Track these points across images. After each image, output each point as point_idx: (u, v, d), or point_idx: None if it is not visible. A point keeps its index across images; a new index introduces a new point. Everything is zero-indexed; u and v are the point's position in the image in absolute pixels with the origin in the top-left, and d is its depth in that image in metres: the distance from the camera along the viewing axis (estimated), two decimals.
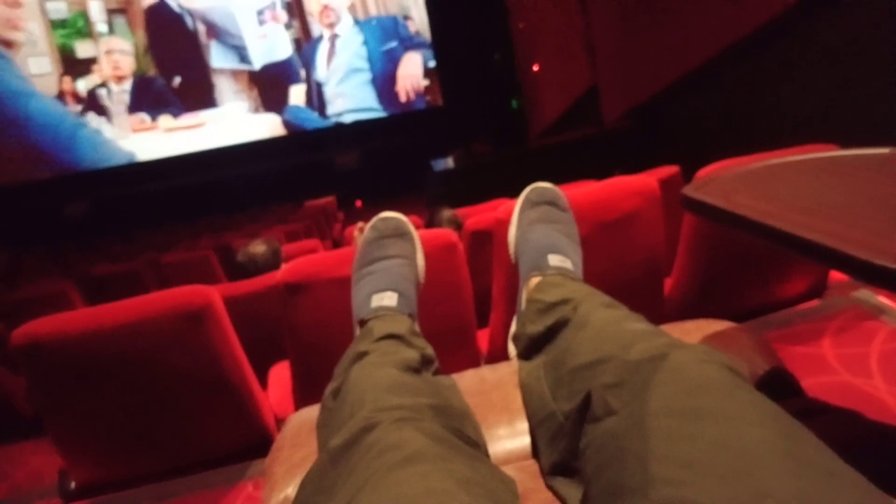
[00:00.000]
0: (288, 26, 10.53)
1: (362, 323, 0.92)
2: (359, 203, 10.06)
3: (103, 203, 10.04)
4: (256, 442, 1.54)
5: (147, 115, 10.19)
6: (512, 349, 0.96)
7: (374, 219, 1.09)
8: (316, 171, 10.31)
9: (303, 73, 10.60)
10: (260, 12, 10.35)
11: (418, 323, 0.97)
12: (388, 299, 0.94)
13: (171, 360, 1.36)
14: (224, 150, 10.56)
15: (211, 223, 8.01)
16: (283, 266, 1.47)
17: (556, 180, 1.45)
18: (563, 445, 0.64)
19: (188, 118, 10.28)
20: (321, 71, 10.59)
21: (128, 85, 10.12)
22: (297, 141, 10.73)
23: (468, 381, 0.90)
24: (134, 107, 10.13)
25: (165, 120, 10.18)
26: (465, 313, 1.60)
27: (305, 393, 1.51)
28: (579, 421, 0.62)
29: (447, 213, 2.66)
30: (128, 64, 10.04)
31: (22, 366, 1.34)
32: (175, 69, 10.24)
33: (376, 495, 0.49)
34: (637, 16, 5.65)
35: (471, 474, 0.52)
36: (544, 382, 0.73)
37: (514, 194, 1.24)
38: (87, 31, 9.92)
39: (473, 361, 1.68)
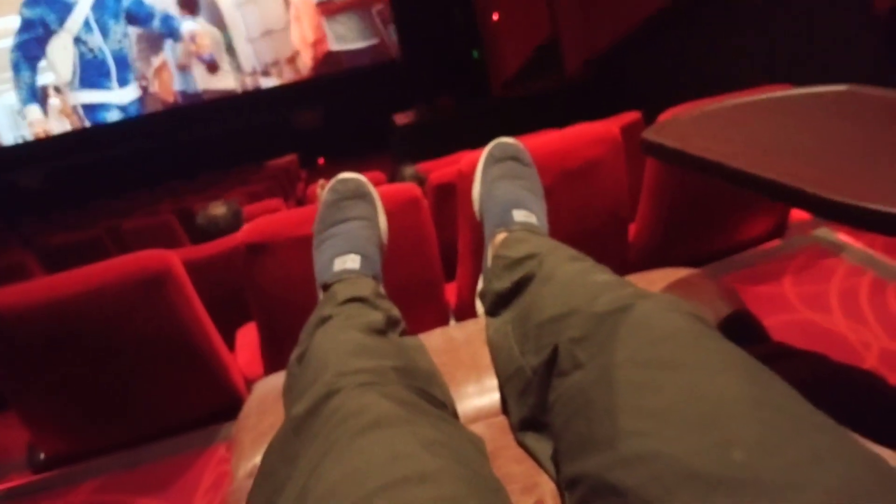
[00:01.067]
0: None
1: (325, 287, 0.91)
2: (321, 161, 9.93)
3: (59, 172, 9.75)
4: (227, 404, 1.53)
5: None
6: (479, 306, 0.96)
7: (333, 180, 1.07)
8: (275, 130, 10.11)
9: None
10: None
11: (383, 283, 0.96)
12: (351, 262, 0.93)
13: (133, 326, 1.33)
14: (179, 110, 10.28)
15: (171, 188, 7.83)
16: (245, 226, 1.45)
17: (519, 133, 1.44)
18: (531, 401, 0.64)
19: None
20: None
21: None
22: (254, 99, 10.49)
23: (436, 340, 0.90)
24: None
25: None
26: (431, 268, 1.59)
27: (273, 354, 1.51)
28: (547, 375, 0.62)
29: (409, 168, 2.64)
30: None
31: None
32: None
33: (340, 464, 0.48)
34: None
35: (436, 435, 0.52)
36: (511, 338, 0.73)
37: (477, 147, 1.23)
38: None
39: (442, 316, 1.69)
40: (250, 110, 10.41)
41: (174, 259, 1.38)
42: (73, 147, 9.94)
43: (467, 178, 1.41)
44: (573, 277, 0.72)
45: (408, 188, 1.50)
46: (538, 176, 1.09)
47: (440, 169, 2.16)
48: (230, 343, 1.69)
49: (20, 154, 9.75)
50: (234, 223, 2.10)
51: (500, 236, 0.95)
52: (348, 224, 1.00)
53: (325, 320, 0.79)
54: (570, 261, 0.77)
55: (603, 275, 0.70)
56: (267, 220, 1.46)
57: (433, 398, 0.64)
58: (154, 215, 4.34)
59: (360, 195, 1.05)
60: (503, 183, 1.04)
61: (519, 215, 0.96)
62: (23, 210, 8.74)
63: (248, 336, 1.70)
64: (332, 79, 10.61)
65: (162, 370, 1.43)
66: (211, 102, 10.42)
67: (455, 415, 0.71)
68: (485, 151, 1.12)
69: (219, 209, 2.13)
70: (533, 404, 0.64)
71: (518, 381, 0.68)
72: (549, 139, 1.56)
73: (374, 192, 1.07)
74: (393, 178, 2.61)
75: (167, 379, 1.45)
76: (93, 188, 9.19)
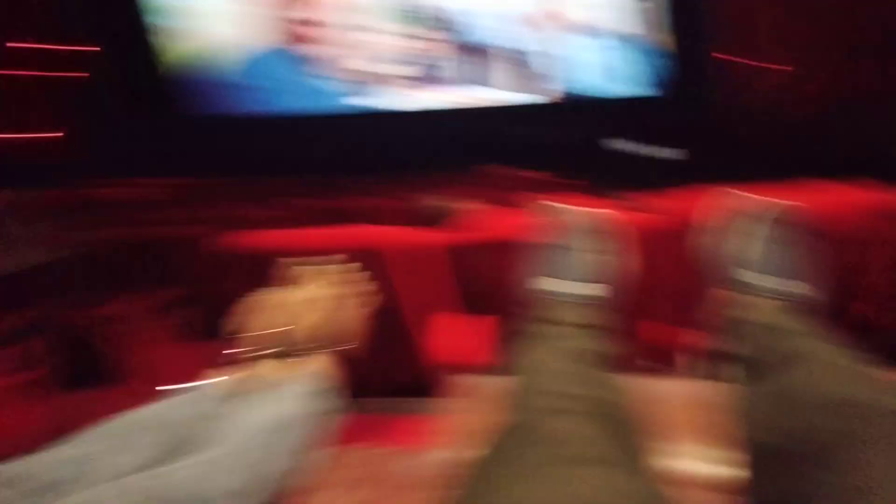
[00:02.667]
0: None
1: (545, 306, 0.91)
2: (554, 180, 9.98)
3: (297, 144, 10.75)
4: (415, 382, 1.59)
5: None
6: (692, 361, 0.91)
7: (568, 211, 1.07)
8: (504, 139, 10.34)
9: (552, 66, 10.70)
10: None
11: (605, 317, 0.94)
12: (577, 287, 0.92)
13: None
14: (439, 112, 10.91)
15: (399, 179, 8.32)
16: (469, 222, 1.50)
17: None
18: (782, 485, 0.59)
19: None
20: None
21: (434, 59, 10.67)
22: (512, 112, 10.86)
23: (657, 386, 0.87)
24: None
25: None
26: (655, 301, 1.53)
27: (473, 347, 1.54)
28: (815, 466, 0.56)
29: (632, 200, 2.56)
30: None
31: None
32: None
33: (527, 487, 0.48)
34: None
35: (631, 486, 0.50)
36: (771, 414, 0.67)
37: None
38: None
39: (659, 357, 1.63)
40: (491, 119, 10.75)
41: (392, 237, 1.46)
42: (316, 122, 10.94)
43: (702, 221, 1.34)
44: (847, 364, 0.65)
45: (646, 218, 1.47)
46: (804, 241, 0.99)
47: (667, 202, 2.07)
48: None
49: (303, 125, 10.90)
50: (442, 217, 2.19)
51: (749, 298, 0.88)
52: (582, 253, 0.99)
53: (538, 337, 0.79)
54: (835, 345, 0.70)
55: (879, 369, 0.63)
56: (493, 220, 1.50)
57: (631, 443, 0.62)
58: (376, 199, 4.65)
59: (597, 229, 1.03)
60: (758, 242, 0.97)
61: (770, 281, 0.89)
62: (263, 173, 9.68)
63: (450, 324, 1.76)
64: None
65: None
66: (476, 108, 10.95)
67: (653, 467, 0.68)
68: (737, 203, 1.04)
69: (445, 203, 2.23)
70: (782, 489, 0.59)
71: (773, 462, 0.62)
72: (819, 199, 1.42)
73: (614, 228, 1.05)
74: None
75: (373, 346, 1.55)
76: (343, 165, 9.97)
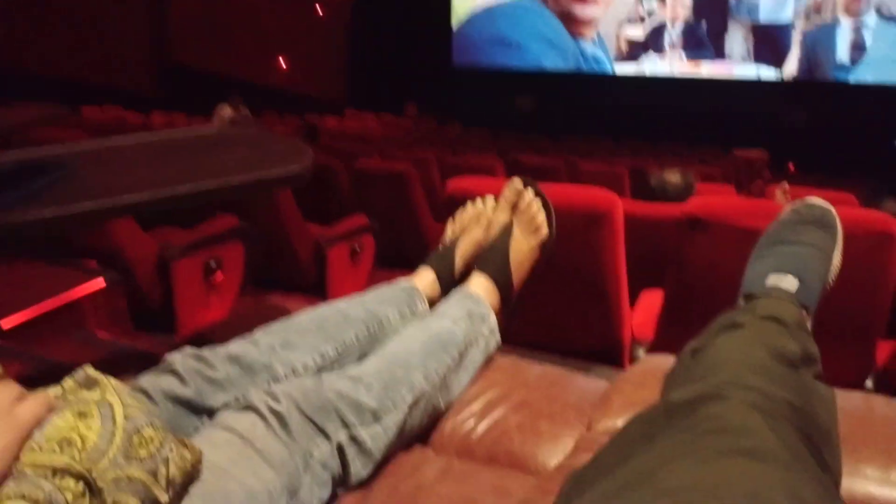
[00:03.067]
0: None
1: (749, 297, 0.86)
2: (791, 166, 9.10)
3: (549, 102, 10.82)
4: (604, 350, 1.60)
5: (684, 54, 10.46)
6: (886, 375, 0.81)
7: (798, 202, 0.99)
8: (755, 121, 9.56)
9: (797, 42, 9.77)
10: None
11: (812, 320, 0.87)
12: (787, 283, 0.85)
13: (561, 246, 1.46)
14: (678, 80, 10.43)
15: (634, 146, 8.11)
16: (692, 200, 1.44)
17: None
18: None
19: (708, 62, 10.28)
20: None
21: (679, 27, 10.39)
22: (750, 89, 10.06)
23: (851, 402, 0.80)
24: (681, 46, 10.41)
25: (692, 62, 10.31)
26: (874, 314, 1.38)
27: (669, 327, 1.51)
28: None
29: (892, 204, 2.26)
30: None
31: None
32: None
33: (698, 472, 0.47)
34: None
35: (808, 496, 0.47)
36: None
37: None
38: None
39: (859, 372, 1.47)
40: (737, 96, 10.03)
41: (619, 205, 1.46)
42: (575, 84, 10.92)
43: None
44: None
45: (882, 218, 1.31)
46: None
47: None
48: (632, 299, 1.74)
49: (529, 80, 11.07)
50: (682, 193, 2.10)
51: None
52: (799, 247, 0.92)
53: (735, 326, 0.76)
54: None
55: None
56: (716, 201, 1.44)
57: (820, 456, 0.58)
58: (610, 165, 4.58)
59: (823, 224, 0.95)
60: None
61: None
62: (510, 125, 9.92)
63: (652, 301, 1.73)
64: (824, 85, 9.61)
65: (566, 294, 1.55)
66: (705, 81, 10.34)
67: (837, 486, 0.63)
68: None
69: (674, 176, 2.15)
70: None
71: None
72: None
73: (839, 228, 0.96)
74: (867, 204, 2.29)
75: (566, 304, 1.57)
76: (569, 125, 9.99)
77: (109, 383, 0.59)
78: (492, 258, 1.13)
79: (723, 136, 8.83)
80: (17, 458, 0.52)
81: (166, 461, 0.58)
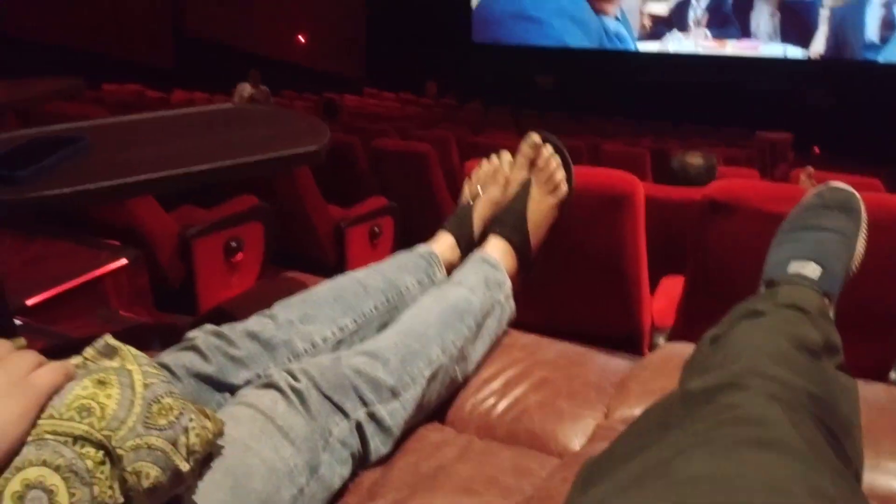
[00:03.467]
0: None
1: (770, 283, 0.85)
2: (816, 150, 8.94)
3: (571, 80, 10.71)
4: (624, 336, 1.59)
5: (709, 32, 10.25)
6: None
7: (822, 186, 0.96)
8: (779, 102, 9.39)
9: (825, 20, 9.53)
10: None
11: (834, 308, 0.85)
12: (810, 271, 0.84)
13: (580, 230, 1.45)
14: (702, 58, 10.26)
15: (656, 126, 8.01)
16: (714, 183, 1.42)
17: None
18: None
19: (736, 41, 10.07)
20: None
21: (704, 3, 10.19)
22: (776, 68, 9.87)
23: (873, 394, 0.78)
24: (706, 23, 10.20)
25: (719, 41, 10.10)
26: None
27: (691, 313, 1.49)
28: None
29: None
30: None
31: None
32: None
33: (714, 462, 0.47)
34: None
35: (828, 490, 0.46)
36: None
37: None
38: None
39: (881, 363, 1.45)
40: (762, 75, 9.84)
41: (640, 188, 1.44)
42: (594, 61, 10.77)
43: None
44: None
45: None
46: None
47: None
48: (653, 285, 1.73)
49: (547, 56, 10.95)
50: (704, 176, 2.08)
51: None
52: (821, 233, 0.90)
53: (756, 314, 0.74)
54: None
55: None
56: (739, 184, 1.41)
57: (841, 449, 0.57)
58: (632, 146, 4.53)
59: (847, 209, 0.93)
60: None
61: None
62: (528, 103, 9.84)
63: (672, 287, 1.71)
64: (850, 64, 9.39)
65: (585, 278, 1.54)
66: (729, 59, 10.15)
67: (858, 480, 0.63)
68: None
69: (695, 158, 2.12)
70: None
71: None
72: None
73: (864, 213, 0.94)
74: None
75: (585, 287, 1.56)
76: (589, 103, 9.88)
77: (129, 352, 0.60)
78: (509, 219, 1.11)
79: (747, 117, 8.70)
80: (34, 424, 0.52)
81: (186, 430, 0.58)
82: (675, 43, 10.51)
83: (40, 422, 0.53)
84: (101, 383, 0.55)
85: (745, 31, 10.09)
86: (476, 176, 1.20)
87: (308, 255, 2.44)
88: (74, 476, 0.50)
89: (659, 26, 10.53)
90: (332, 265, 2.40)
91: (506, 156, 1.19)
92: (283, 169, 1.94)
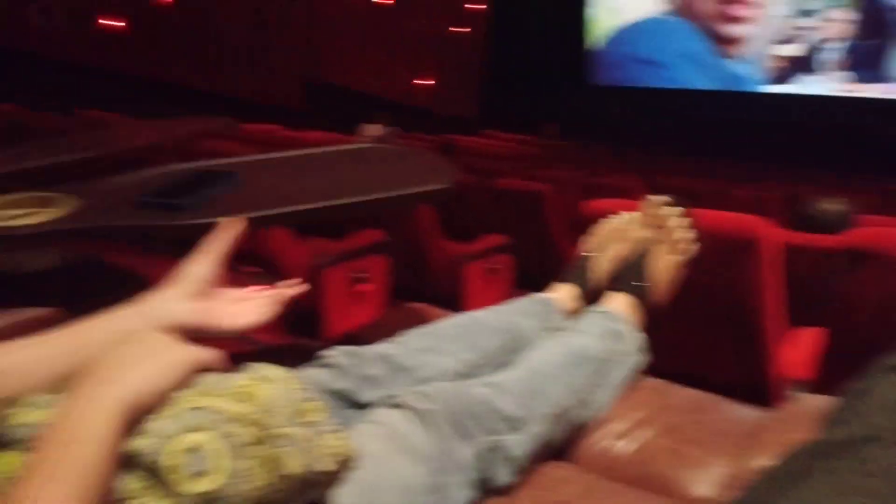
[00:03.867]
0: None
1: None
2: None
3: (697, 123, 10.38)
4: (748, 386, 1.52)
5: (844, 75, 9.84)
6: None
7: None
8: None
9: None
10: None
11: None
12: None
13: (707, 273, 1.41)
14: (830, 99, 9.71)
15: (785, 170, 7.62)
16: (853, 231, 1.35)
17: None
18: None
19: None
20: None
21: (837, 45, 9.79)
22: None
23: None
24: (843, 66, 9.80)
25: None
26: None
27: (833, 369, 1.41)
28: None
29: None
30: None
31: None
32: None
33: None
34: None
35: None
36: None
37: None
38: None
39: None
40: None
41: (769, 232, 1.39)
42: (717, 100, 10.46)
43: None
44: None
45: None
46: None
47: None
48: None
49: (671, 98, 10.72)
50: (840, 224, 1.97)
51: None
52: None
53: None
54: None
55: None
56: (881, 232, 1.34)
57: None
58: (760, 189, 4.36)
59: None
60: None
61: None
62: (655, 148, 9.60)
63: (809, 339, 1.63)
64: None
65: (710, 323, 1.49)
66: (863, 102, 9.57)
67: None
68: None
69: (834, 205, 2.02)
70: None
71: None
72: None
73: None
74: None
75: (710, 335, 1.51)
76: (714, 147, 9.53)
77: (280, 371, 0.64)
78: (632, 275, 1.12)
79: (884, 163, 8.13)
80: (182, 384, 0.58)
81: (329, 433, 0.61)
82: (804, 85, 10.03)
83: (200, 395, 0.58)
84: (259, 380, 0.61)
85: (879, 75, 9.49)
86: (597, 233, 1.22)
87: (428, 289, 2.51)
88: (231, 448, 0.54)
89: (787, 69, 10.09)
90: (451, 300, 2.44)
91: (627, 216, 1.21)
92: (414, 205, 2.02)
